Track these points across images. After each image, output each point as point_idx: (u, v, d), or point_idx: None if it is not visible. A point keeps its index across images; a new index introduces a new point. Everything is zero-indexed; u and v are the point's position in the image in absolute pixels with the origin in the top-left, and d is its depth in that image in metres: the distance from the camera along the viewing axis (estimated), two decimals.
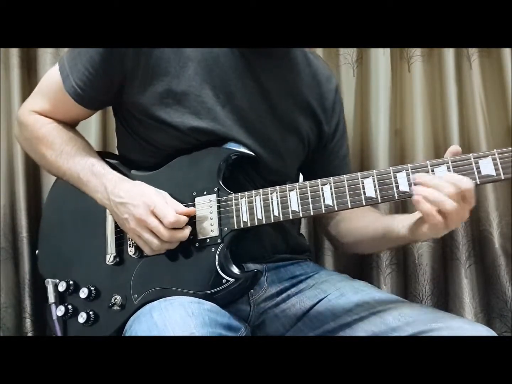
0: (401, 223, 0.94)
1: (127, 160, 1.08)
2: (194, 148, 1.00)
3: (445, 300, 1.47)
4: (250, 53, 1.01)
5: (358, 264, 1.49)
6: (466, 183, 0.80)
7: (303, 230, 1.27)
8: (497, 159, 0.80)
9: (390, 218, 1.05)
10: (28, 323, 1.46)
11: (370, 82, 1.50)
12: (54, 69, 1.05)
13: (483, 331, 0.88)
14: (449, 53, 1.46)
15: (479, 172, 0.80)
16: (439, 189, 0.80)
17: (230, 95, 1.00)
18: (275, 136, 1.04)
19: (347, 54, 1.53)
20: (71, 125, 1.10)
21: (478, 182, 0.80)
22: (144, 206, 0.92)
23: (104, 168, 1.01)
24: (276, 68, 1.04)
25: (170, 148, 1.01)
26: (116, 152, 1.17)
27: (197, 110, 0.98)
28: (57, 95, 1.04)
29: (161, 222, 0.91)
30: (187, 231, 0.93)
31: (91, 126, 1.50)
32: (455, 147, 0.85)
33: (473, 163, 0.81)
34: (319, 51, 1.50)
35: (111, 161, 1.07)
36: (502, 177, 0.79)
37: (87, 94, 1.01)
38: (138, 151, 1.06)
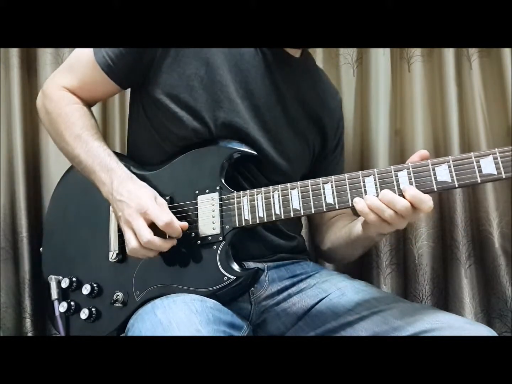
0: (359, 222, 0.98)
1: (131, 158, 1.09)
2: (202, 143, 1.01)
3: (445, 300, 1.46)
4: (272, 58, 1.04)
5: (358, 264, 1.49)
6: (426, 204, 0.82)
7: (303, 231, 1.27)
8: (498, 158, 0.79)
9: (354, 221, 1.06)
10: (28, 323, 1.45)
11: (370, 82, 1.50)
12: None
13: (484, 331, 0.88)
14: (449, 53, 1.45)
15: (480, 171, 0.80)
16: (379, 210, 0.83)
17: (249, 92, 1.03)
18: (285, 138, 1.07)
19: (347, 54, 1.53)
20: (90, 105, 1.11)
21: (479, 181, 0.81)
22: (136, 208, 0.92)
23: (118, 163, 1.00)
24: (293, 76, 1.08)
25: (182, 141, 1.02)
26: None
27: (220, 99, 1.00)
28: (86, 68, 1.04)
29: (150, 225, 0.91)
30: (169, 243, 0.92)
31: None
32: (423, 151, 0.86)
33: (474, 162, 0.81)
34: (319, 51, 1.50)
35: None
36: (503, 176, 0.79)
37: (117, 67, 1.02)
38: (148, 147, 1.08)
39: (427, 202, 0.82)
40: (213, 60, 1.01)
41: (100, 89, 1.07)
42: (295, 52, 1.08)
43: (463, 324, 0.89)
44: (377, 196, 0.84)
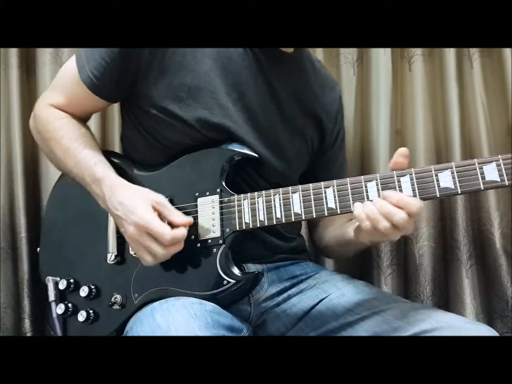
0: (351, 226, 0.97)
1: (131, 159, 1.08)
2: (200, 145, 0.99)
3: (446, 300, 1.46)
4: (263, 56, 1.02)
5: (358, 264, 1.48)
6: (414, 206, 0.80)
7: (303, 231, 1.27)
8: (502, 165, 0.79)
9: (348, 222, 1.06)
10: (27, 323, 1.45)
11: (370, 81, 1.50)
12: (70, 61, 1.05)
13: (485, 331, 0.88)
14: (450, 53, 1.45)
15: (483, 177, 0.80)
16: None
17: (241, 94, 1.01)
18: (282, 138, 1.05)
19: (348, 54, 1.53)
20: (84, 119, 1.10)
21: (482, 188, 0.80)
22: (135, 225, 0.90)
23: (104, 170, 0.98)
24: (286, 72, 1.05)
25: (178, 146, 1.01)
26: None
27: (210, 106, 0.99)
28: (73, 85, 1.04)
29: (157, 240, 0.89)
30: (180, 245, 0.91)
31: (90, 126, 1.48)
32: (403, 149, 0.85)
33: (477, 169, 0.80)
34: (319, 51, 1.50)
35: (114, 160, 1.06)
36: (506, 183, 0.78)
37: (102, 84, 1.01)
38: (145, 150, 1.06)
39: (415, 204, 0.81)
40: (199, 68, 0.99)
41: (88, 104, 1.07)
42: (288, 49, 1.05)
43: (464, 324, 0.89)
44: None
